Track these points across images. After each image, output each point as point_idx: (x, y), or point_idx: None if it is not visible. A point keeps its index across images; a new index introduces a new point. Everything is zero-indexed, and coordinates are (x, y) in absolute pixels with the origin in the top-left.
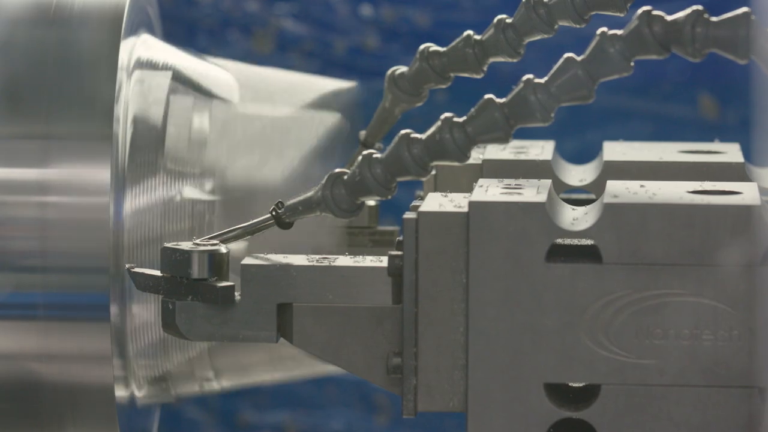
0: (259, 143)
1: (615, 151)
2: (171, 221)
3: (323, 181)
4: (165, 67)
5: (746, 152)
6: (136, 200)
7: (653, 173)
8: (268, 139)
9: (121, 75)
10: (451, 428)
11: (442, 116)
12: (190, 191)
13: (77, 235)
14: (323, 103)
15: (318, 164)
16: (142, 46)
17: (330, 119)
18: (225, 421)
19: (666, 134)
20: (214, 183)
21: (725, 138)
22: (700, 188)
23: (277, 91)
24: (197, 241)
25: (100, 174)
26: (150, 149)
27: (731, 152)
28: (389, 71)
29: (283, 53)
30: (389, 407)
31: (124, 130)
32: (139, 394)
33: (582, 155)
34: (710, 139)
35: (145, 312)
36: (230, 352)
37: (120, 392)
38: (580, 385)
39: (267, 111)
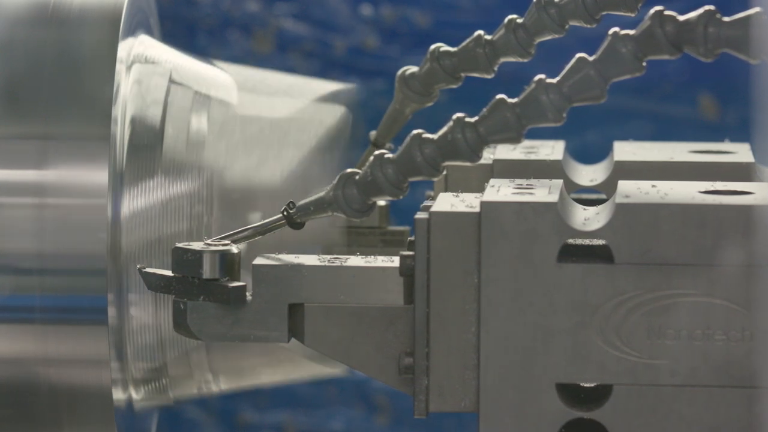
0: (257, 144)
1: (625, 151)
2: (169, 223)
3: (335, 181)
4: (163, 68)
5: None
6: (134, 201)
7: (664, 173)
8: (267, 140)
9: (119, 76)
10: (452, 428)
11: (454, 116)
12: (189, 192)
13: (75, 237)
14: (322, 104)
15: (317, 165)
16: (141, 46)
17: (329, 120)
18: (225, 422)
19: (666, 134)
20: (213, 184)
21: (725, 138)
22: (711, 188)
23: (276, 92)
24: (208, 241)
25: (98, 175)
26: (148, 150)
27: (742, 152)
28: (400, 71)
29: (283, 53)
30: (389, 407)
31: (122, 131)
32: (136, 396)
33: (582, 155)
34: (711, 139)
35: (143, 314)
36: (229, 354)
37: (118, 395)
38: (592, 385)
39: (265, 112)
